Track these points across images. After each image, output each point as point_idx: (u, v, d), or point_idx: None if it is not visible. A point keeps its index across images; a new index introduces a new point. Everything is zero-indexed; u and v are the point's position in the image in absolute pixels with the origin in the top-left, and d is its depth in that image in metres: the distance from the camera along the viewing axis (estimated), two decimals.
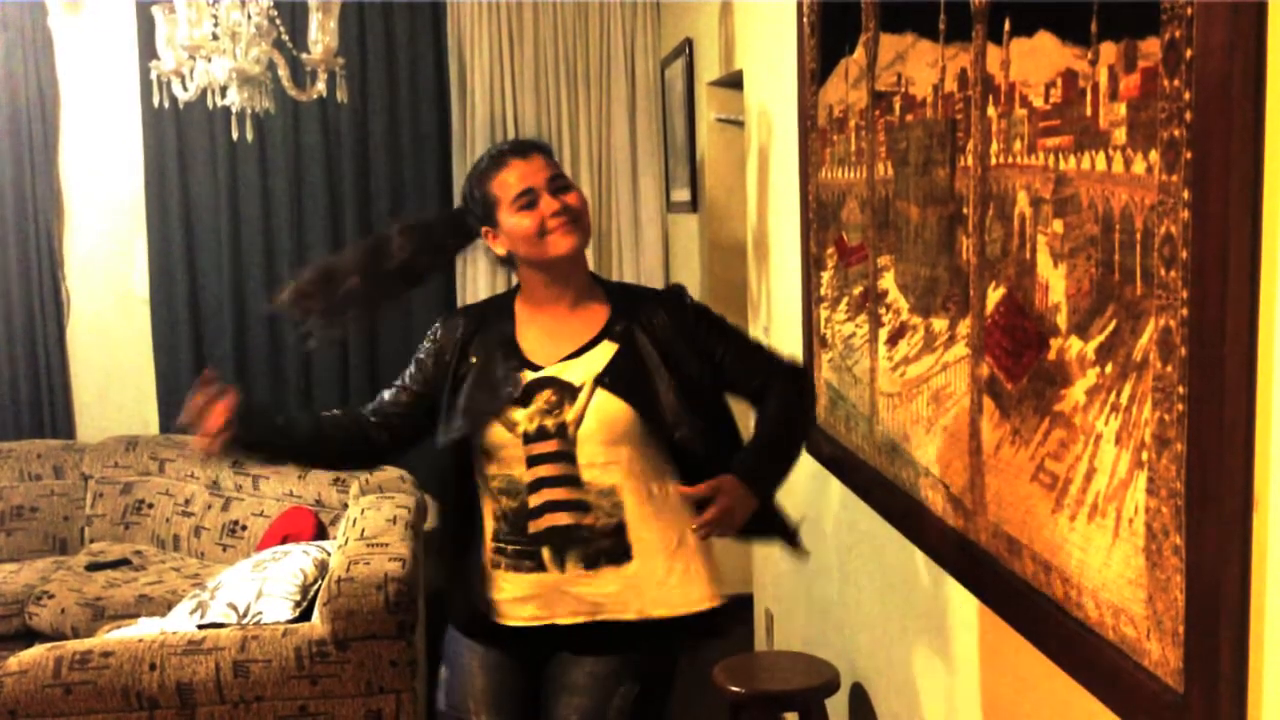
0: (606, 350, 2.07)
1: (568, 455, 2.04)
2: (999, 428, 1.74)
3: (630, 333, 2.08)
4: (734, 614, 2.21)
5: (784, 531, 2.20)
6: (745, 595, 4.21)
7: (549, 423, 2.04)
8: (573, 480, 2.04)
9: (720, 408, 2.15)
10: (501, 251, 2.12)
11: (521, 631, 2.10)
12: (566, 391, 2.05)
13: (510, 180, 2.07)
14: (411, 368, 2.20)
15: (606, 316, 2.11)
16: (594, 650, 2.09)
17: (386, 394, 2.21)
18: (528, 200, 2.05)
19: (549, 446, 2.04)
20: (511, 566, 2.08)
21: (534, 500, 2.05)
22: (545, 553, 2.06)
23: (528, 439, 2.04)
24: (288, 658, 2.83)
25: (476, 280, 5.10)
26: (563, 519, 2.04)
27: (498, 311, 2.18)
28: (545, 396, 2.05)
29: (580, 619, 2.07)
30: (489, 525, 2.11)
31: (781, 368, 2.19)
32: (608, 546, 2.05)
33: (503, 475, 2.07)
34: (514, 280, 2.19)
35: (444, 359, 2.15)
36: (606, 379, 2.05)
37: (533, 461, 2.04)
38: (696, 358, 2.10)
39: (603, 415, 2.03)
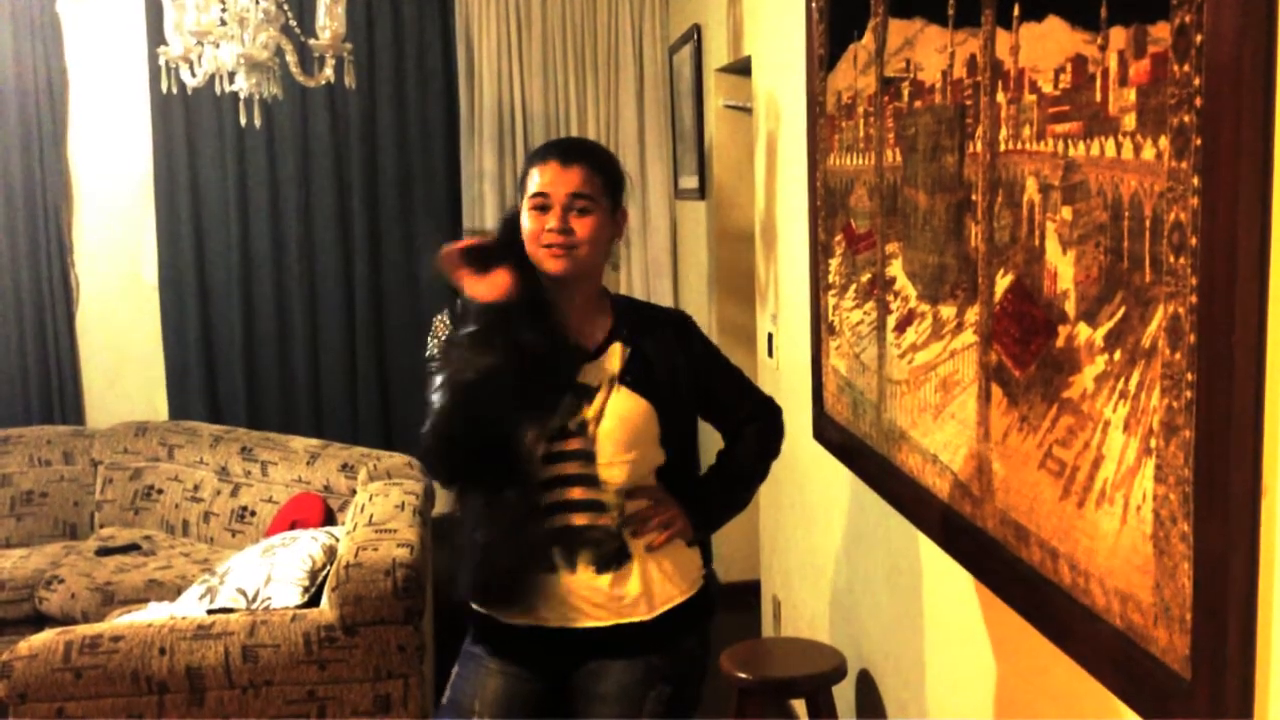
0: (619, 351, 2.08)
1: (587, 454, 2.04)
2: (1007, 415, 1.74)
3: (638, 340, 2.10)
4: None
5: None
6: (753, 582, 4.22)
7: (569, 421, 2.04)
8: (591, 480, 2.04)
9: (690, 435, 2.23)
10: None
11: (539, 637, 2.08)
12: (584, 391, 2.05)
13: (536, 180, 2.05)
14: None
15: (611, 324, 2.12)
16: (617, 655, 2.07)
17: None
18: (540, 204, 2.03)
19: (570, 445, 2.04)
20: None
21: (547, 499, 2.05)
22: (555, 552, 2.05)
23: (548, 436, 2.04)
24: (296, 643, 2.84)
25: None
26: (578, 519, 2.04)
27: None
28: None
29: (597, 623, 2.06)
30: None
31: (766, 408, 2.31)
32: (616, 548, 2.05)
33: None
34: None
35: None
36: (627, 378, 2.06)
37: (550, 459, 2.04)
38: (689, 382, 2.15)
39: (622, 413, 2.04)
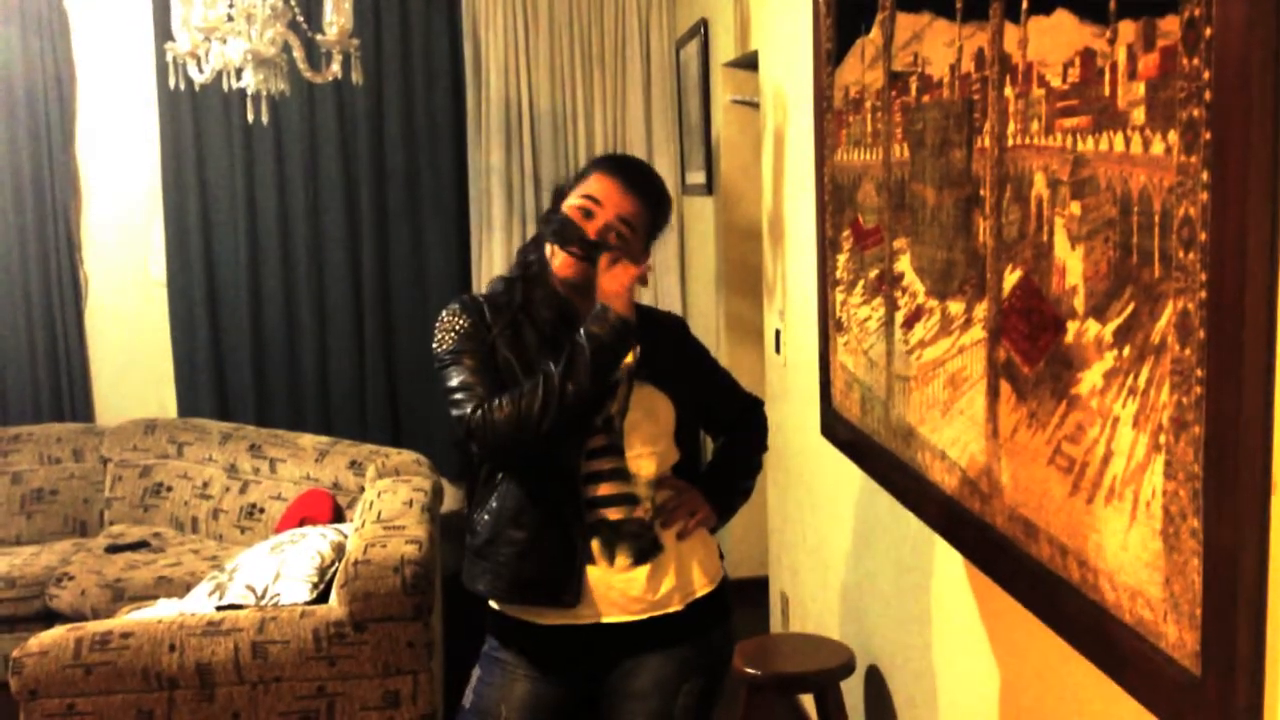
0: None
1: (616, 448, 2.06)
2: (1015, 411, 1.73)
3: (644, 338, 2.11)
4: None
5: None
6: (761, 578, 4.22)
7: (595, 417, 2.05)
8: (622, 474, 2.06)
9: (695, 432, 2.26)
10: None
11: (572, 635, 2.07)
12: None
13: (594, 185, 2.05)
14: (472, 360, 2.02)
15: None
16: (651, 649, 2.07)
17: (494, 393, 1.98)
18: (586, 207, 2.04)
19: (597, 441, 2.06)
20: None
21: (585, 494, 2.06)
22: (595, 545, 2.06)
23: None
24: (305, 639, 2.85)
25: (492, 259, 5.10)
26: (613, 514, 2.06)
27: (529, 296, 2.11)
28: None
29: (633, 617, 2.06)
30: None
31: (753, 405, 2.38)
32: (651, 539, 2.07)
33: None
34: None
35: (487, 337, 2.07)
36: (643, 371, 2.08)
37: (583, 455, 2.06)
38: (689, 382, 2.20)
39: (645, 406, 2.08)
